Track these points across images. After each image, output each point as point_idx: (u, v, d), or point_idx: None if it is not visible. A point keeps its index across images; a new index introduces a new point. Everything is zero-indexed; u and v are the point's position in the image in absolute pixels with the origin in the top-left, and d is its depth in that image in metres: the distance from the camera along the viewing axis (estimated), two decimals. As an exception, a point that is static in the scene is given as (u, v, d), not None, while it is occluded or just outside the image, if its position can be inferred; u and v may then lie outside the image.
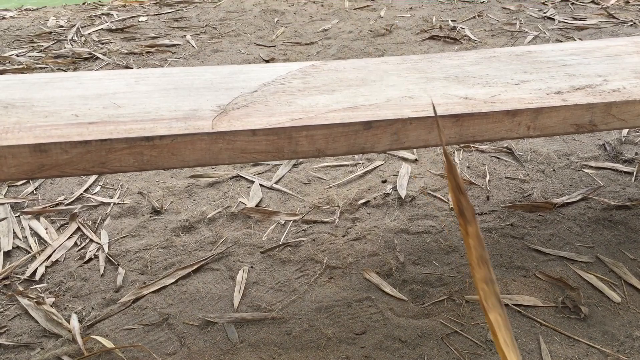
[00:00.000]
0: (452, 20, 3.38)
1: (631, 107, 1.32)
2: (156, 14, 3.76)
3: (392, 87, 1.39)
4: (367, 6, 3.73)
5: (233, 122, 1.16)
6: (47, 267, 1.68)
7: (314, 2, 3.91)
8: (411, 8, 3.64)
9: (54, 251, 1.75)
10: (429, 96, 1.32)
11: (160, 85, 1.42)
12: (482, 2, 3.64)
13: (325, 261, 1.65)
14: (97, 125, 1.13)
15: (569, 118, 1.31)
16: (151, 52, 3.17)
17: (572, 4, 3.49)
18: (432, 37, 3.15)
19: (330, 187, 1.99)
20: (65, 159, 1.08)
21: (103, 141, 1.08)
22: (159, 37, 3.37)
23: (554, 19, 3.25)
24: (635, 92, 1.36)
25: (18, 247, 1.77)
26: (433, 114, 1.21)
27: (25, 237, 1.81)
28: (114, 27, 3.51)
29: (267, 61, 2.95)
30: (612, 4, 3.40)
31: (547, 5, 3.51)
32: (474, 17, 3.40)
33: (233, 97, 1.33)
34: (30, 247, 1.77)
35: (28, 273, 1.65)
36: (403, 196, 1.90)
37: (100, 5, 4.13)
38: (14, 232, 1.83)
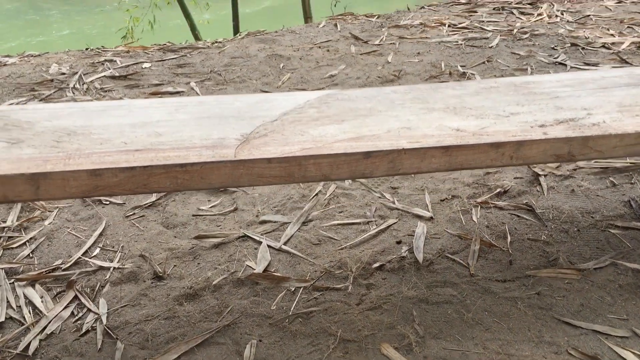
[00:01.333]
0: (461, 66, 3.32)
1: (607, 140, 1.42)
2: (160, 60, 3.72)
3: (394, 118, 1.54)
4: (374, 52, 3.68)
5: (252, 151, 1.35)
6: (41, 340, 1.57)
7: (320, 47, 3.88)
8: (418, 53, 3.60)
9: (50, 322, 1.64)
10: (425, 127, 1.47)
11: (195, 113, 1.62)
12: (491, 47, 3.59)
13: (339, 334, 1.54)
14: (141, 153, 1.34)
15: (548, 150, 1.42)
16: (154, 98, 3.11)
17: (583, 48, 3.44)
18: (441, 83, 3.10)
19: (342, 248, 1.89)
20: (115, 181, 1.27)
21: (145, 167, 1.27)
22: (162, 84, 3.32)
23: (565, 65, 3.19)
24: (613, 126, 1.45)
25: (11, 317, 1.66)
26: (426, 145, 1.37)
27: (20, 306, 1.70)
28: (117, 74, 3.46)
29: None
30: (623, 49, 3.35)
31: (557, 50, 3.46)
32: (484, 63, 3.35)
33: (255, 126, 1.51)
34: (24, 317, 1.66)
35: (21, 347, 1.54)
36: (420, 260, 1.80)
37: (104, 51, 4.11)
38: (8, 301, 1.72)
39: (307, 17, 6.61)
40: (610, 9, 4.11)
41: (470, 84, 1.82)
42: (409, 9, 5.24)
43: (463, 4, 4.78)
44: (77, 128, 1.52)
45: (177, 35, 12.26)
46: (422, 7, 4.91)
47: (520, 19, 4.15)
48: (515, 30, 3.84)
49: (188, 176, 1.33)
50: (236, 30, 7.03)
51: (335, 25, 4.42)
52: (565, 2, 4.30)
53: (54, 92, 3.24)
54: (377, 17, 4.59)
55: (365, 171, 1.39)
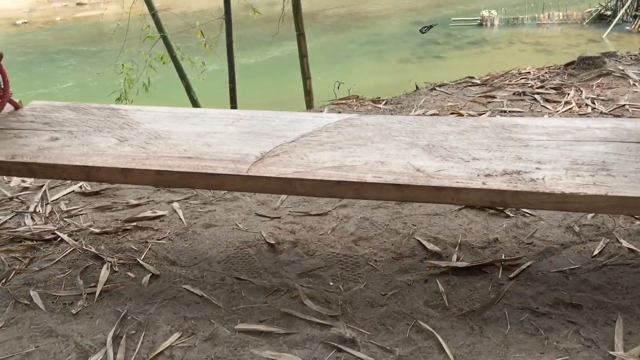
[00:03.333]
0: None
1: (535, 196, 1.56)
2: (140, 166, 3.24)
3: (379, 151, 1.80)
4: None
5: (260, 169, 1.75)
6: None
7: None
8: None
9: None
10: (394, 164, 1.72)
11: (243, 127, 2.02)
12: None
13: None
14: (191, 160, 1.82)
15: (484, 197, 1.60)
16: (129, 229, 2.60)
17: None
18: (469, 206, 2.61)
19: None
20: (170, 179, 1.82)
21: (188, 172, 1.78)
22: (140, 204, 2.82)
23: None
24: (546, 185, 1.58)
25: None
26: (384, 182, 1.64)
27: None
28: (88, 190, 2.97)
29: (271, 245, 2.39)
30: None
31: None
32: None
33: (276, 145, 1.87)
34: None
35: None
36: None
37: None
38: None
39: (309, 98, 6.27)
40: (646, 96, 3.69)
41: (465, 121, 2.01)
42: (417, 87, 4.82)
43: (478, 84, 4.35)
44: (162, 132, 2.01)
45: (173, 96, 11.96)
46: (434, 89, 4.49)
47: (547, 108, 3.71)
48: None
49: (215, 182, 1.78)
50: (232, 94, 6.68)
51: (340, 113, 3.98)
52: (594, 87, 3.87)
53: (11, 218, 2.74)
54: (385, 103, 4.15)
55: (337, 194, 1.72)
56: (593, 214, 2.46)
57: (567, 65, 4.61)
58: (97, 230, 2.55)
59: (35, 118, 2.21)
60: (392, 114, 3.88)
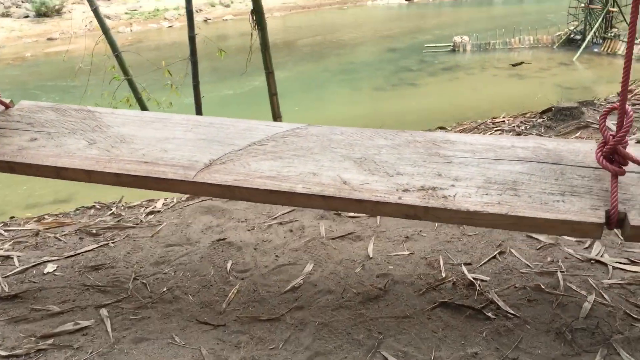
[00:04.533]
0: (465, 265, 2.51)
1: (444, 212, 1.69)
2: (71, 256, 2.85)
3: (314, 162, 1.94)
4: (349, 234, 2.87)
5: (206, 176, 1.91)
6: None
7: (281, 224, 3.05)
8: (407, 238, 2.77)
9: None
10: (325, 176, 1.86)
11: (200, 134, 2.16)
12: (498, 225, 2.82)
13: None
14: (147, 165, 1.99)
15: (399, 210, 1.75)
16: (44, 349, 2.20)
17: (620, 243, 2.65)
18: (444, 304, 2.26)
19: None
20: (128, 181, 2.00)
21: (144, 177, 1.95)
22: (62, 311, 2.42)
23: (605, 265, 2.40)
24: (456, 202, 1.69)
25: None
26: (312, 193, 1.80)
27: None
28: (6, 291, 2.56)
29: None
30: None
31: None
32: (494, 258, 2.55)
33: (225, 152, 2.04)
34: None
35: None
36: None
37: (6, 230, 3.23)
38: None
39: None
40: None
41: (401, 135, 2.04)
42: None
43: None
44: (128, 136, 2.18)
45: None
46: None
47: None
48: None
49: (166, 185, 1.97)
50: None
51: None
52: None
53: None
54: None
55: (271, 200, 1.91)
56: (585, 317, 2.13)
57: (542, 112, 4.34)
58: (3, 354, 2.14)
59: (22, 118, 2.39)
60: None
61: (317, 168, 1.89)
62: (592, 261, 2.39)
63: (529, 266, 2.41)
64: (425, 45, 21.79)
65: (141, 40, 26.73)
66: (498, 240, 2.63)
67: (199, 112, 6.26)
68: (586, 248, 2.50)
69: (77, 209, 3.74)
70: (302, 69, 20.88)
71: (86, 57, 6.53)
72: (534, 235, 2.63)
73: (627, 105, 1.68)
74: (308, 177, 1.85)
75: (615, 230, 2.16)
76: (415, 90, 18.01)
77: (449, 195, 1.72)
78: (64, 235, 3.14)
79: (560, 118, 3.86)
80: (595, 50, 19.94)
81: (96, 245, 2.94)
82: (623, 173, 1.68)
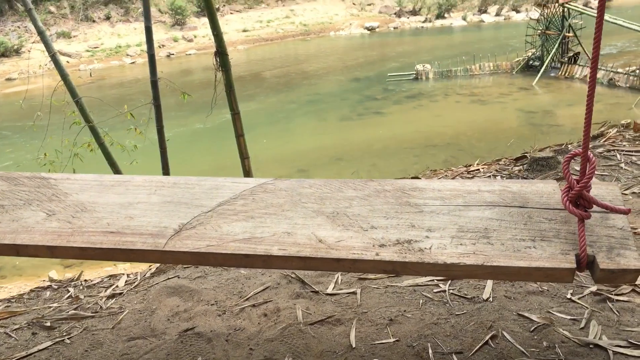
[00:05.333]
0: (456, 354, 2.33)
1: (421, 266, 1.68)
2: (24, 356, 2.57)
3: (287, 221, 1.88)
4: (329, 318, 2.65)
5: (177, 244, 1.80)
6: None
7: (254, 306, 2.82)
8: (391, 321, 2.58)
9: None
10: (300, 235, 1.81)
11: (165, 196, 2.06)
12: (487, 300, 2.65)
13: None
14: (113, 235, 1.86)
15: (377, 267, 1.72)
16: None
17: (609, 299, 2.52)
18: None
19: None
20: (93, 254, 1.85)
21: (111, 249, 1.81)
22: None
23: (605, 349, 2.25)
24: (433, 255, 1.69)
25: None
26: (289, 254, 1.74)
27: None
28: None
29: None
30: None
31: (579, 304, 2.52)
32: (487, 344, 2.37)
33: (194, 215, 1.93)
34: None
35: None
36: None
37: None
38: None
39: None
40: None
41: (370, 185, 2.04)
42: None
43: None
44: (88, 204, 2.05)
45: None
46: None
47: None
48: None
49: (135, 256, 1.86)
50: (165, 171, 6.13)
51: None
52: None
53: None
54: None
55: (247, 265, 1.81)
56: None
57: (517, 159, 4.26)
58: None
59: None
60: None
61: (291, 227, 1.86)
62: (591, 345, 2.24)
63: (525, 354, 2.24)
64: (389, 74, 22.06)
65: (103, 78, 26.37)
66: (488, 322, 2.45)
67: (164, 157, 6.04)
68: (582, 329, 2.35)
69: (31, 291, 3.45)
70: (268, 101, 20.82)
71: (46, 99, 6.28)
72: (525, 314, 2.47)
73: (589, 152, 1.74)
74: (283, 237, 1.81)
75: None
76: (381, 119, 18.12)
77: (425, 248, 1.73)
78: (15, 329, 2.84)
79: (536, 169, 3.77)
80: (553, 74, 20.48)
81: (51, 343, 2.65)
82: (589, 217, 1.74)
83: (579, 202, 1.77)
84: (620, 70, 18.39)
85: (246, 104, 19.67)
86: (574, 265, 1.66)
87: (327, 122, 18.49)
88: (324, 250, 1.76)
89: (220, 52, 5.49)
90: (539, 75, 19.77)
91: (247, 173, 6.30)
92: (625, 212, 1.81)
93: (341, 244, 1.78)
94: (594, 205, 1.77)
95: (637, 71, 17.51)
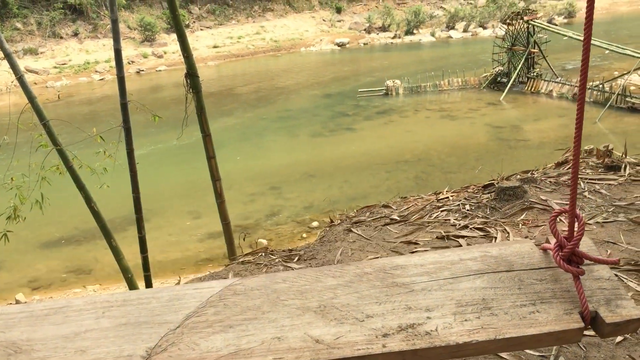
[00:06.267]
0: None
1: (433, 351, 1.60)
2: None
3: (272, 324, 1.69)
4: None
5: None
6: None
7: None
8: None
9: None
10: (292, 338, 1.63)
11: (118, 318, 1.73)
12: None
13: None
14: None
15: (387, 359, 1.59)
16: None
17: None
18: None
19: None
20: None
21: None
22: None
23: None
24: (441, 336, 1.61)
25: None
26: None
27: None
28: None
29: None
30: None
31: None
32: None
33: (160, 336, 1.67)
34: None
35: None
36: None
37: None
38: None
39: (221, 200, 5.73)
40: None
41: (349, 270, 1.91)
42: (332, 220, 4.39)
43: (397, 221, 3.97)
44: (22, 343, 1.67)
45: (72, 209, 10.95)
46: (350, 230, 4.05)
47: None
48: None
49: None
50: (137, 203, 6.05)
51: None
52: (520, 225, 3.60)
53: None
54: (297, 259, 3.65)
55: None
56: None
57: (485, 187, 4.36)
58: None
59: None
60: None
61: (279, 330, 1.69)
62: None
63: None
64: (359, 90, 22.24)
65: (71, 94, 25.97)
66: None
67: (134, 180, 5.98)
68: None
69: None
70: (240, 118, 20.78)
71: (13, 120, 6.17)
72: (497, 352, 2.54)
73: (576, 209, 1.73)
74: (274, 344, 1.65)
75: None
76: (353, 135, 18.22)
77: (432, 331, 1.64)
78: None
79: (504, 198, 3.87)
80: (520, 89, 20.95)
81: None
82: (583, 272, 1.73)
83: (571, 258, 1.78)
84: (583, 85, 18.89)
85: (219, 120, 19.64)
86: (582, 324, 1.64)
87: (299, 138, 18.53)
88: (325, 351, 1.64)
89: (191, 74, 5.50)
90: (506, 90, 20.20)
91: (219, 195, 6.29)
92: (616, 263, 1.83)
93: (341, 341, 1.67)
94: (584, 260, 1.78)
95: (600, 86, 18.03)
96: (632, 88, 17.58)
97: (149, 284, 6.26)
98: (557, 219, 1.94)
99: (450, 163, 14.61)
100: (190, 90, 5.58)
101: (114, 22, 5.47)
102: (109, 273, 10.69)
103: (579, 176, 3.92)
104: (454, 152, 15.34)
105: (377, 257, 2.79)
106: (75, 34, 30.90)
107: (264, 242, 11.22)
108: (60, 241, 12.05)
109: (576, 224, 1.82)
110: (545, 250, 1.90)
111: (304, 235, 11.85)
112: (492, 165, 13.92)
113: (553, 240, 1.82)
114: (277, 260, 3.64)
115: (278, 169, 15.34)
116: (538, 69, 21.04)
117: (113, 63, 6.92)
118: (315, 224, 11.98)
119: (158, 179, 14.56)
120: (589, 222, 3.43)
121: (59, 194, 7.15)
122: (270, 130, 19.16)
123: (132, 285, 5.98)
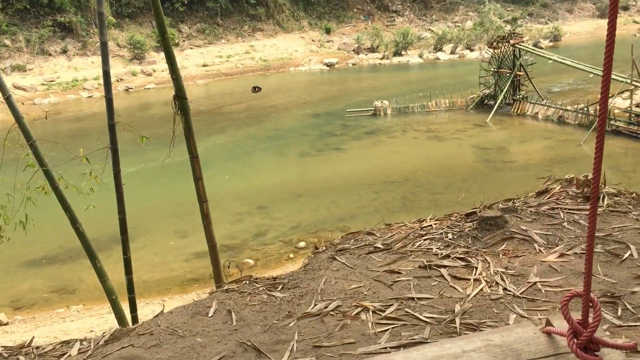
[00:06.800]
0: None
1: None
2: None
3: None
4: (284, 390, 2.67)
5: None
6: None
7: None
8: (344, 392, 2.63)
9: None
10: None
11: None
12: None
13: None
14: None
15: None
16: None
17: None
18: None
19: None
20: None
21: None
22: None
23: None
24: None
25: None
26: None
27: None
28: None
29: None
30: None
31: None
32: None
33: None
34: None
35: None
36: None
37: None
38: None
39: (207, 222, 5.73)
40: (556, 269, 3.46)
41: None
42: (317, 247, 4.41)
43: (381, 250, 4.02)
44: None
45: (57, 228, 10.85)
46: (334, 258, 4.07)
47: (457, 289, 3.40)
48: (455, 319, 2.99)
49: None
50: (122, 224, 6.03)
51: None
52: (501, 255, 3.65)
53: None
54: (281, 288, 3.66)
55: None
56: None
57: (467, 215, 4.42)
58: None
59: None
60: (288, 302, 3.42)
61: None
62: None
63: None
64: (348, 110, 22.43)
65: (59, 112, 25.92)
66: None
67: (120, 201, 5.97)
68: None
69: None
70: (229, 136, 20.86)
71: None
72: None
73: (591, 294, 1.68)
74: None
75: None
76: (341, 155, 18.33)
77: None
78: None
79: (485, 228, 3.92)
80: (506, 111, 21.24)
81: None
82: None
83: (587, 345, 1.72)
84: (569, 107, 19.22)
85: (208, 138, 19.68)
86: None
87: (287, 157, 18.61)
88: None
89: (180, 95, 5.55)
90: (493, 112, 20.47)
91: (206, 217, 6.30)
92: (634, 348, 1.77)
93: None
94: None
95: (585, 109, 18.33)
96: (616, 111, 17.89)
97: (133, 306, 6.23)
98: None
99: (437, 184, 14.73)
100: (179, 112, 5.62)
101: (104, 45, 5.51)
102: (93, 293, 10.60)
103: (558, 206, 4.00)
104: (441, 173, 15.49)
105: (372, 354, 2.76)
106: (64, 52, 30.91)
107: (251, 262, 11.20)
108: (45, 260, 11.96)
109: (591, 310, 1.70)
110: (549, 333, 1.82)
111: (291, 255, 11.85)
112: (479, 186, 14.05)
113: (564, 324, 1.74)
114: (261, 288, 3.66)
115: (266, 188, 15.38)
116: (524, 92, 21.38)
117: (101, 80, 6.97)
118: (302, 244, 12.00)
119: (146, 197, 14.52)
120: (567, 252, 3.49)
121: (44, 212, 7.12)
122: (259, 149, 19.24)
123: (116, 308, 5.96)
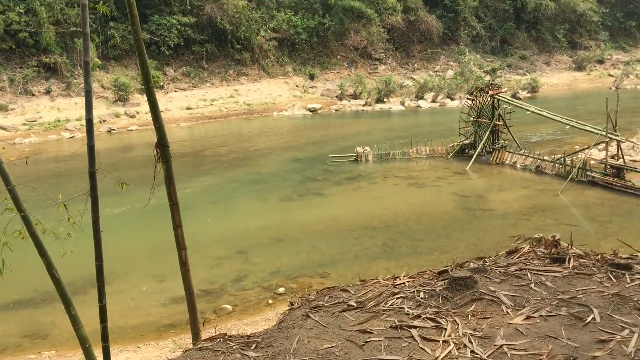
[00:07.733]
0: None
1: None
2: None
3: None
4: None
5: None
6: None
7: None
8: None
9: None
10: None
11: None
12: None
13: None
14: None
15: None
16: None
17: None
18: None
19: None
20: None
21: None
22: None
23: None
24: None
25: None
26: None
27: None
28: None
29: None
30: None
31: None
32: None
33: None
34: None
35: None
36: None
37: None
38: None
39: (185, 269, 5.73)
40: (522, 332, 3.57)
41: None
42: (292, 304, 4.47)
43: (354, 308, 4.09)
44: None
45: (32, 271, 10.70)
46: (308, 316, 4.13)
47: (426, 351, 3.48)
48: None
49: None
50: (99, 271, 5.99)
51: None
52: (470, 316, 3.75)
53: None
54: (255, 347, 3.70)
55: None
56: None
57: (440, 273, 4.53)
58: None
59: None
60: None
61: None
62: None
63: None
64: (330, 155, 22.67)
65: (39, 152, 25.81)
66: None
67: (98, 248, 5.98)
68: None
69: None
70: (211, 179, 20.89)
71: None
72: None
73: None
74: None
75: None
76: (322, 200, 18.42)
77: None
78: None
79: (456, 288, 4.03)
80: (483, 158, 21.69)
81: None
82: None
83: None
84: (546, 157, 19.69)
85: (191, 181, 19.68)
86: None
87: (268, 202, 18.66)
88: None
89: (162, 144, 5.65)
90: (472, 160, 20.86)
91: (184, 264, 6.33)
92: None
93: None
94: None
95: (562, 159, 18.78)
96: (592, 162, 18.35)
97: (106, 355, 6.16)
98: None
99: (417, 230, 14.86)
100: (160, 160, 5.71)
101: (88, 93, 5.61)
102: (67, 338, 10.39)
103: (527, 267, 4.12)
104: (421, 220, 15.63)
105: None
106: (48, 92, 31.00)
107: (229, 307, 11.10)
108: (18, 303, 11.74)
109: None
110: None
111: (270, 301, 11.77)
112: (458, 233, 14.19)
113: None
114: (234, 347, 3.70)
115: (246, 232, 15.36)
116: (503, 141, 21.88)
117: (84, 122, 7.05)
118: (281, 289, 11.95)
119: (125, 239, 14.41)
120: (534, 315, 3.60)
121: (19, 255, 7.10)
122: (241, 193, 19.29)
123: (89, 356, 5.89)
